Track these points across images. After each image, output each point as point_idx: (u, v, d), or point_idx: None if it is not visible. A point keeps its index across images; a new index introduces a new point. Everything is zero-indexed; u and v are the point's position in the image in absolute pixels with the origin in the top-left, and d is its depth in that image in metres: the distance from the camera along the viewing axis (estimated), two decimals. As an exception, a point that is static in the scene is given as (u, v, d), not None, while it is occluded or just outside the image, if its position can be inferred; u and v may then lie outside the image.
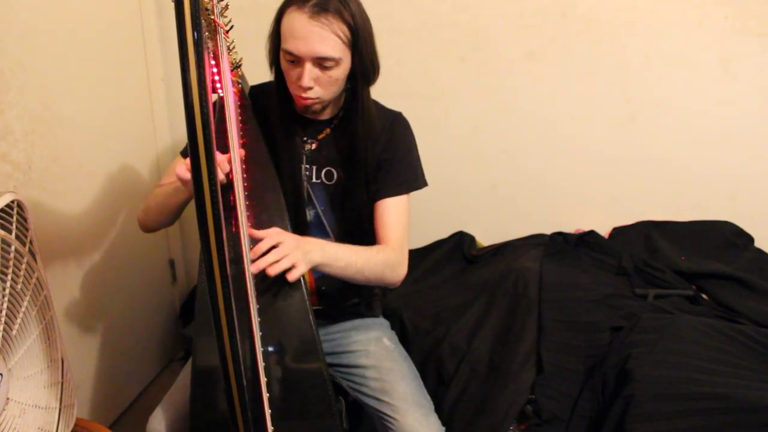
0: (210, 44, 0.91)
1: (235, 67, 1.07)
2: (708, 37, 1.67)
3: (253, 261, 0.93)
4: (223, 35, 0.94)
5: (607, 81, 1.75)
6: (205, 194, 0.70)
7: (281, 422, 0.92)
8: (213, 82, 0.99)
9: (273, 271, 0.92)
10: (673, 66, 1.71)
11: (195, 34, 0.66)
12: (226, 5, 0.92)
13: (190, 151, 0.69)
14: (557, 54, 1.75)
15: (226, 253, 0.73)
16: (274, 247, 0.94)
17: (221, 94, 0.98)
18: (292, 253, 0.94)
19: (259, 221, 1.04)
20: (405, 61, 1.80)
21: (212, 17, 0.88)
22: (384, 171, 1.16)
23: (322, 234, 1.20)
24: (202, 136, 0.68)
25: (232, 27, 0.95)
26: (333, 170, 1.17)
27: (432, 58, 1.81)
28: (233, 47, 1.02)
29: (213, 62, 0.95)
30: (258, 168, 1.08)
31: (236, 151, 0.97)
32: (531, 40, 1.75)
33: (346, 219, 1.20)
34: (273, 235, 0.96)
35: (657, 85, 1.73)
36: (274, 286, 1.00)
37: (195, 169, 0.70)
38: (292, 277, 0.94)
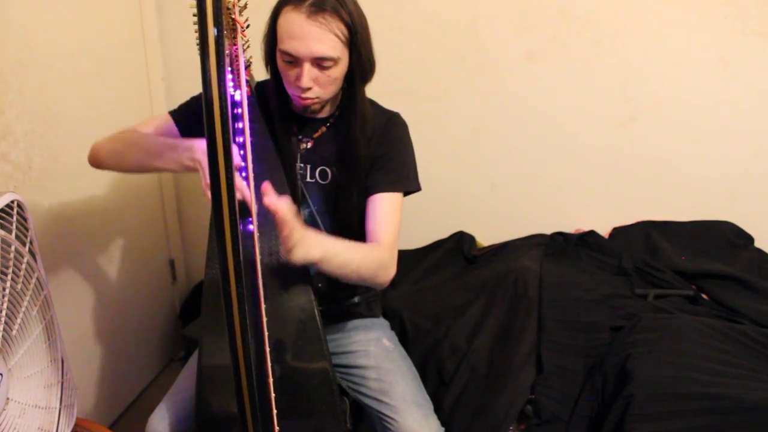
0: (227, 43, 0.91)
1: (247, 65, 1.07)
2: (708, 37, 1.67)
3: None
4: (240, 34, 0.94)
5: (607, 81, 1.75)
6: (222, 192, 0.69)
7: (286, 421, 0.92)
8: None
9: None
10: (673, 66, 1.71)
11: (216, 30, 0.66)
12: (245, 5, 0.91)
13: (208, 146, 0.68)
14: (557, 54, 1.75)
15: (241, 253, 0.72)
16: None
17: (232, 93, 0.98)
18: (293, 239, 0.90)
19: (267, 220, 1.04)
20: (405, 61, 1.80)
21: (233, 15, 0.87)
22: (376, 168, 1.14)
23: None
24: (220, 131, 0.67)
25: (248, 26, 0.94)
26: (327, 170, 1.17)
27: (432, 58, 1.81)
28: (248, 46, 1.01)
29: (229, 62, 0.94)
30: (266, 166, 1.08)
31: (250, 151, 0.97)
32: (531, 40, 1.75)
33: (340, 219, 1.18)
34: (285, 218, 0.89)
35: (657, 85, 1.73)
36: (282, 286, 1.00)
37: (213, 168, 0.68)
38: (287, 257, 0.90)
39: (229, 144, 0.68)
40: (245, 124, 0.94)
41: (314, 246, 0.95)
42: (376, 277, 1.08)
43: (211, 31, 0.65)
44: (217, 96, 0.66)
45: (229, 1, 0.82)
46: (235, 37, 0.92)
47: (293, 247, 0.90)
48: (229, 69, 0.94)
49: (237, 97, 0.96)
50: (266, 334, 0.91)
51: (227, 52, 0.88)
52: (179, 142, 1.01)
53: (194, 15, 0.65)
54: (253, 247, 0.91)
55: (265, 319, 0.92)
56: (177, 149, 0.99)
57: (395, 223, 1.13)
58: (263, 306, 0.92)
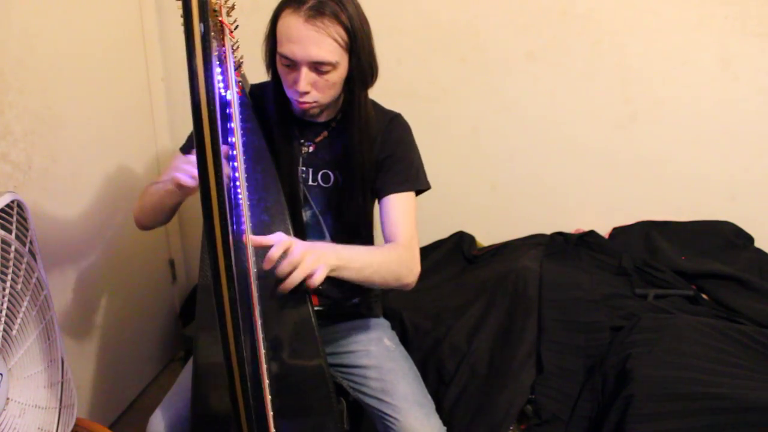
0: (215, 44, 0.91)
1: (237, 66, 1.07)
2: (708, 37, 1.67)
3: (268, 270, 0.90)
4: (228, 35, 0.94)
5: (607, 81, 1.75)
6: (211, 188, 0.69)
7: (282, 422, 0.92)
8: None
9: (290, 284, 0.88)
10: (673, 66, 1.71)
11: (202, 26, 0.65)
12: (233, 6, 0.91)
13: (196, 144, 0.68)
14: (557, 54, 1.75)
15: (232, 254, 0.72)
16: (285, 252, 0.90)
17: (223, 93, 0.98)
18: (305, 259, 0.89)
19: (260, 221, 1.04)
20: (405, 61, 1.80)
21: (219, 18, 0.87)
22: (384, 170, 1.15)
23: (320, 236, 1.20)
24: (208, 129, 0.67)
25: (237, 27, 0.95)
26: (330, 173, 1.17)
27: (432, 58, 1.81)
28: (237, 47, 1.01)
29: (218, 62, 0.94)
30: (259, 167, 1.08)
31: (240, 151, 0.97)
32: (531, 40, 1.75)
33: (343, 222, 1.18)
34: (281, 240, 0.91)
35: (657, 85, 1.73)
36: (276, 286, 1.00)
37: (201, 164, 0.68)
38: (314, 282, 0.89)
39: (217, 145, 0.68)
40: (236, 124, 0.94)
41: (327, 253, 0.94)
42: (400, 278, 1.06)
43: (197, 29, 0.65)
44: (205, 94, 0.66)
45: (216, 3, 0.82)
46: (222, 39, 0.92)
47: (304, 256, 0.89)
48: (219, 70, 0.94)
49: (228, 97, 0.96)
50: (261, 336, 0.91)
51: (216, 53, 0.88)
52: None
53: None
54: (245, 248, 0.91)
55: (260, 322, 0.92)
56: (165, 180, 1.05)
57: (411, 222, 1.12)
58: (258, 308, 0.92)
